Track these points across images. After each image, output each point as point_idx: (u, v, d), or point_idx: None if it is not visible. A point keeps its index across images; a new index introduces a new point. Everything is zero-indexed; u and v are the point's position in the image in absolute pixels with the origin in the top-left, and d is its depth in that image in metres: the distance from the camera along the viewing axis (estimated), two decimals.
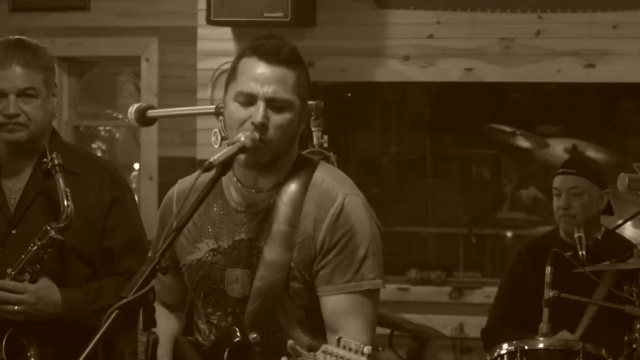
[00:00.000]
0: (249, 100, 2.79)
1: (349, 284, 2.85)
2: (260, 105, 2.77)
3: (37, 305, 3.32)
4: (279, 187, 2.88)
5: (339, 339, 2.53)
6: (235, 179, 2.90)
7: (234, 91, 2.81)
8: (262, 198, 2.88)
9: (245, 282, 2.88)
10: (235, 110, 2.80)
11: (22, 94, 3.36)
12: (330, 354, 2.53)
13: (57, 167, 3.33)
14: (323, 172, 2.92)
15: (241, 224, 2.89)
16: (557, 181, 4.52)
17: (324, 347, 2.56)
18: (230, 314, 2.91)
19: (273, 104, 2.79)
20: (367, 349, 2.48)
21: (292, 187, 2.88)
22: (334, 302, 2.86)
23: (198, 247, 2.94)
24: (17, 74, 3.35)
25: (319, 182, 2.89)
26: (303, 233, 2.85)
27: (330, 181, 2.90)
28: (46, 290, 3.34)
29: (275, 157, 2.83)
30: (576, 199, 4.46)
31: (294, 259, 2.84)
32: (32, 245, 3.31)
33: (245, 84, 2.79)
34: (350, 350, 2.51)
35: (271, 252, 2.85)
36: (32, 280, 3.32)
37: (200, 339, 3.00)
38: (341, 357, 2.50)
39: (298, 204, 2.86)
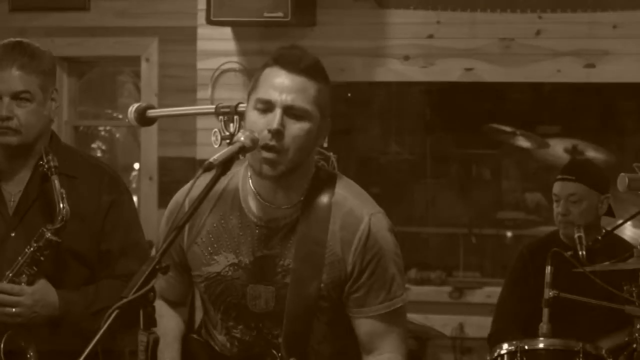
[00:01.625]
0: (267, 107, 2.78)
1: (383, 304, 2.88)
2: (278, 112, 2.76)
3: (35, 307, 3.31)
4: (300, 203, 2.87)
5: None
6: (254, 191, 2.89)
7: (254, 99, 2.81)
8: (283, 214, 2.87)
9: (268, 298, 2.88)
10: (254, 118, 2.79)
11: (16, 97, 3.34)
12: None
13: (53, 169, 3.31)
14: (343, 188, 2.91)
15: (261, 240, 2.88)
16: (557, 187, 4.53)
17: None
18: (254, 328, 2.91)
19: (291, 112, 2.78)
20: None
21: (316, 205, 2.87)
22: (369, 324, 2.89)
23: (216, 259, 2.92)
24: (13, 77, 3.33)
25: (342, 200, 2.88)
26: (332, 254, 2.85)
27: (353, 199, 2.89)
28: (43, 292, 3.33)
29: (291, 167, 2.80)
30: (575, 205, 4.46)
31: (323, 279, 2.85)
32: (28, 247, 3.30)
33: (265, 92, 2.79)
34: None
35: (301, 273, 2.84)
36: (30, 283, 3.31)
37: (217, 348, 3.00)
38: None
39: (324, 223, 2.85)
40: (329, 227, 2.84)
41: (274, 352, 2.88)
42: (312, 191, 2.87)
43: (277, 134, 2.75)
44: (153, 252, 3.09)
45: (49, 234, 3.29)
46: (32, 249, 3.29)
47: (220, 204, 2.90)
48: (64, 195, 3.29)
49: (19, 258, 3.30)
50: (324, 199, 2.87)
